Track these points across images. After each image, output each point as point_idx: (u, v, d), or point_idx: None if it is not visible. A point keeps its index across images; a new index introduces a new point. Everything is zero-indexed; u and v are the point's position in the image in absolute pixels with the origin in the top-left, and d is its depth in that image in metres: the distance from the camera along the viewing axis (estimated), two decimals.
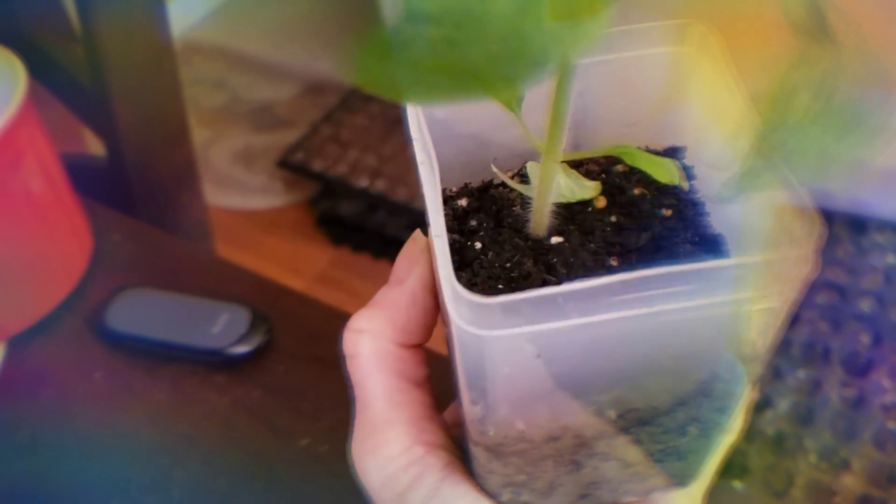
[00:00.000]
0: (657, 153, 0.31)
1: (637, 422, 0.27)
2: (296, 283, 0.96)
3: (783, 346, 0.96)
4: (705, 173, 0.30)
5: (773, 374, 0.93)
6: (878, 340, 0.95)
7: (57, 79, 0.76)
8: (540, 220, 0.28)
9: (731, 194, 0.25)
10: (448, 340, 0.29)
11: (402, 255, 0.30)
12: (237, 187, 1.73)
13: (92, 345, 0.61)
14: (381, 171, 1.56)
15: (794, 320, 0.98)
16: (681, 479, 0.31)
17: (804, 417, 0.90)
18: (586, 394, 0.26)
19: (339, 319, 0.30)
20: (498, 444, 0.27)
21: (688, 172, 0.30)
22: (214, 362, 0.59)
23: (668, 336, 0.25)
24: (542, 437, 0.27)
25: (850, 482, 0.84)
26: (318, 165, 1.60)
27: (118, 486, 0.54)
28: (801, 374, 0.93)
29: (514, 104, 0.27)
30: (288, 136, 1.77)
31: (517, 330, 0.23)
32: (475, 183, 0.32)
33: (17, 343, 0.61)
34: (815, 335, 0.96)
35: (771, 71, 0.24)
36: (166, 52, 0.75)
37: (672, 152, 0.31)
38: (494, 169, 0.30)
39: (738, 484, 0.84)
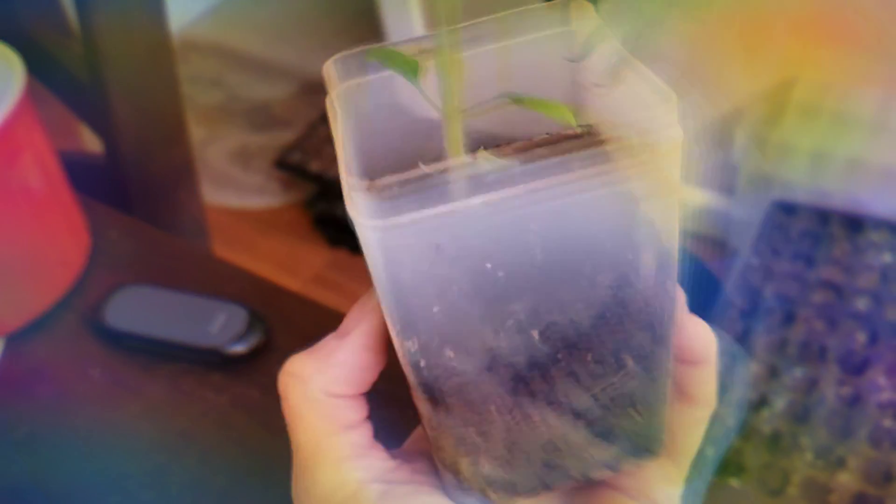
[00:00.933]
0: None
1: (563, 344, 0.27)
2: (292, 284, 0.96)
3: (779, 345, 0.96)
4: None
5: (770, 373, 0.93)
6: (874, 339, 0.95)
7: (55, 76, 0.76)
8: None
9: (582, 52, 0.29)
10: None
11: (354, 308, 0.31)
12: (234, 186, 1.73)
13: (89, 342, 0.61)
14: None
15: (791, 319, 0.98)
16: (647, 444, 0.31)
17: (800, 416, 0.90)
18: (498, 301, 0.26)
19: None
20: (434, 379, 0.27)
21: None
22: (212, 361, 0.59)
23: (562, 221, 0.25)
24: (473, 367, 0.27)
25: (846, 480, 0.84)
26: (315, 166, 1.60)
27: (116, 482, 0.54)
28: (798, 372, 0.93)
29: (410, 72, 0.27)
30: (284, 136, 1.77)
31: (413, 215, 0.24)
32: None
33: (15, 340, 0.61)
34: (812, 334, 0.97)
35: None
36: (165, 49, 0.75)
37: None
38: (421, 165, 0.31)
39: (734, 482, 0.84)
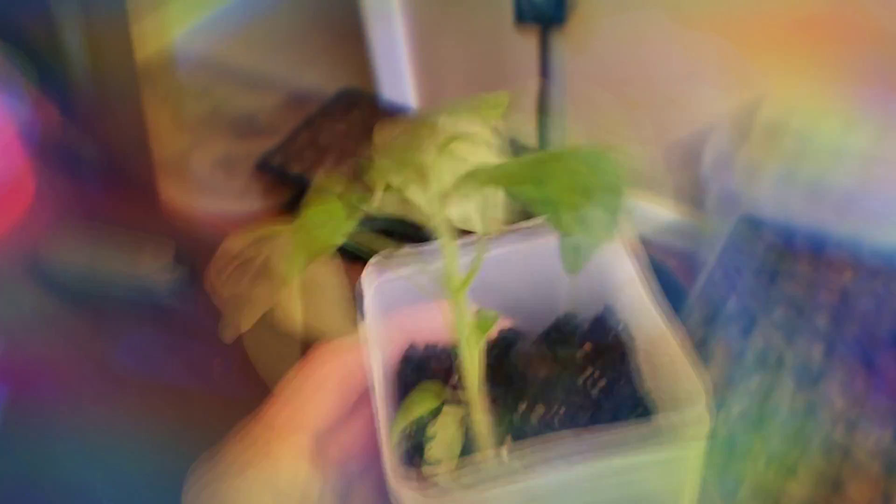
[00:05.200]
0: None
1: None
2: None
3: (738, 354, 0.97)
4: None
5: (727, 379, 0.94)
6: (830, 353, 0.96)
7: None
8: None
9: None
10: None
11: None
12: (216, 193, 1.74)
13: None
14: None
15: (750, 330, 0.99)
16: None
17: (755, 422, 0.90)
18: None
19: None
20: None
21: None
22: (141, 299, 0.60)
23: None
24: None
25: (796, 488, 0.85)
26: (296, 169, 1.61)
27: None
28: (754, 380, 0.94)
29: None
30: (268, 144, 1.79)
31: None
32: None
33: None
34: (770, 345, 0.98)
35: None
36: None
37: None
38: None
39: None
